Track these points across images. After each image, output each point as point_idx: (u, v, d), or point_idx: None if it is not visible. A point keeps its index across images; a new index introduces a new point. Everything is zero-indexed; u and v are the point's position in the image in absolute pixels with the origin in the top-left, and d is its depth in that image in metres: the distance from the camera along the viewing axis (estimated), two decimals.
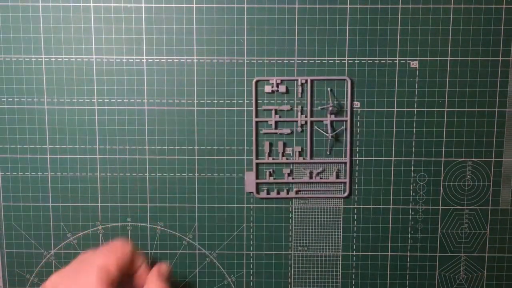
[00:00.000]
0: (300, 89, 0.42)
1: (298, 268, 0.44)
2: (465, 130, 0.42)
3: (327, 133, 0.42)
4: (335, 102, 0.41)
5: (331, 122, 0.42)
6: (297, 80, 0.41)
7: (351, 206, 0.43)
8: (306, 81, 0.41)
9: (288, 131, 0.42)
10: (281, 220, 0.44)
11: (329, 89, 0.41)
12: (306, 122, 0.42)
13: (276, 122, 0.42)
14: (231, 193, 0.43)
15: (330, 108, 0.41)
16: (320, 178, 0.43)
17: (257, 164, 0.43)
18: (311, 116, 0.42)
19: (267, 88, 0.42)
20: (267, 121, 0.42)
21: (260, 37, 0.41)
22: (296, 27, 0.41)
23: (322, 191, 0.43)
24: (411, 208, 0.43)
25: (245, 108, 0.42)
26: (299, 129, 0.42)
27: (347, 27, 0.41)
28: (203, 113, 0.42)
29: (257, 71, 0.42)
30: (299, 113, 0.42)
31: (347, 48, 0.41)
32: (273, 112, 0.42)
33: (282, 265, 0.44)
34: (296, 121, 0.42)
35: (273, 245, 0.44)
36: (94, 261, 0.35)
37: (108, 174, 0.43)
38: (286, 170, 0.43)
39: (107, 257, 0.35)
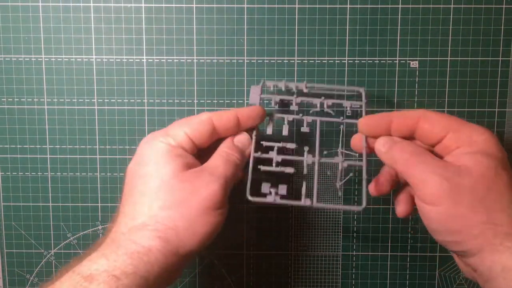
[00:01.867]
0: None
1: (298, 268, 0.44)
2: None
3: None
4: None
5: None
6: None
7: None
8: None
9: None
10: (281, 220, 0.44)
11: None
12: (313, 162, 0.36)
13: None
14: (231, 192, 0.43)
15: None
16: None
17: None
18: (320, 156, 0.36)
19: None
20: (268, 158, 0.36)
21: (260, 37, 0.41)
22: (296, 27, 0.41)
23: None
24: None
25: None
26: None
27: (347, 27, 0.41)
28: None
29: (257, 71, 0.42)
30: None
31: (347, 48, 0.41)
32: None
33: (282, 265, 0.44)
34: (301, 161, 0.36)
35: (273, 245, 0.44)
36: (164, 129, 0.34)
37: (108, 174, 0.43)
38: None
39: (179, 126, 0.34)
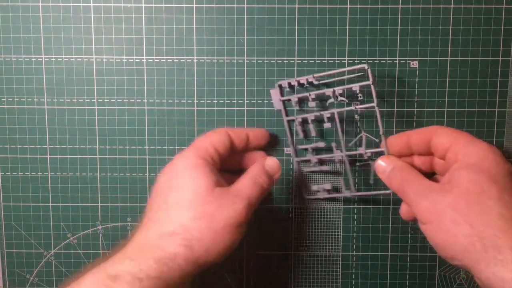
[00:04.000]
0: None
1: (298, 268, 0.44)
2: (465, 130, 0.42)
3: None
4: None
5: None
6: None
7: (351, 206, 0.43)
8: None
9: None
10: (281, 220, 0.44)
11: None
12: (342, 158, 0.41)
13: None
14: None
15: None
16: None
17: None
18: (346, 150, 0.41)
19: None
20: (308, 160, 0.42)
21: (260, 37, 0.41)
22: (296, 27, 0.41)
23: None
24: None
25: (245, 108, 0.42)
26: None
27: (347, 27, 0.41)
28: (203, 113, 0.42)
29: (257, 71, 0.42)
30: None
31: (347, 48, 0.41)
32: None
33: (282, 265, 0.44)
34: (333, 159, 0.42)
35: (273, 245, 0.44)
36: (191, 144, 0.37)
37: (108, 174, 0.43)
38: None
39: (203, 139, 0.37)
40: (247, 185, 0.36)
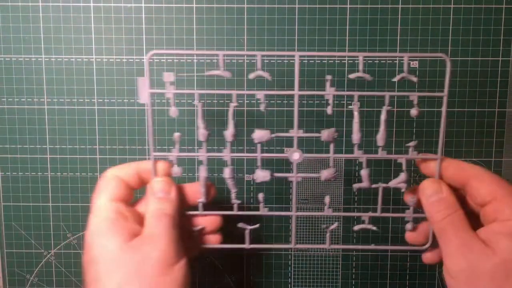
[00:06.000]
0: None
1: (298, 268, 0.44)
2: (465, 130, 0.42)
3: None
4: None
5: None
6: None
7: (351, 206, 0.43)
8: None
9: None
10: (281, 220, 0.44)
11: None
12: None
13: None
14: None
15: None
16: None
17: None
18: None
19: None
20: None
21: (260, 37, 0.41)
22: (296, 27, 0.41)
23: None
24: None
25: (245, 108, 0.42)
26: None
27: (347, 27, 0.41)
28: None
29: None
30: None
31: (347, 48, 0.41)
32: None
33: (282, 265, 0.44)
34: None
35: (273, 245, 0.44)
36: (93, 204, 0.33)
37: None
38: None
39: (97, 197, 0.33)
40: (153, 221, 0.32)
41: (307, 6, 0.41)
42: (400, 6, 0.41)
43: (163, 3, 0.41)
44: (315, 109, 0.42)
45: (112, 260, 0.30)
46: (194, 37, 0.41)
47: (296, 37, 0.41)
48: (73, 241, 0.44)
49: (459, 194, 0.33)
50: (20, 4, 0.41)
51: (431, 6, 0.41)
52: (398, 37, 0.41)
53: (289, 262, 0.44)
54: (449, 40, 0.41)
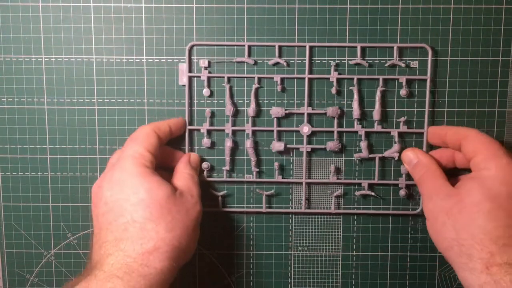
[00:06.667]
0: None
1: (298, 268, 0.44)
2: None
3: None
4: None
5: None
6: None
7: (351, 206, 0.43)
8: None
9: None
10: (281, 220, 0.44)
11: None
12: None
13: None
14: (231, 192, 0.43)
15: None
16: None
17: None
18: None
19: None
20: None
21: (260, 37, 0.41)
22: (296, 27, 0.41)
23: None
24: (411, 207, 0.43)
25: (245, 108, 0.42)
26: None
27: (347, 27, 0.41)
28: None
29: (257, 71, 0.42)
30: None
31: (347, 48, 0.41)
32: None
33: (282, 265, 0.44)
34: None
35: (273, 245, 0.44)
36: (124, 153, 0.37)
37: None
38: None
39: (134, 145, 0.37)
40: (192, 185, 0.39)
41: (307, 6, 0.41)
42: (400, 6, 0.41)
43: (163, 3, 0.41)
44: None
45: (162, 206, 0.35)
46: (194, 37, 0.41)
47: (296, 37, 0.41)
48: (73, 241, 0.44)
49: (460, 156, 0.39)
50: (20, 4, 0.41)
51: (431, 6, 0.41)
52: (398, 37, 0.41)
53: (289, 262, 0.44)
54: (449, 40, 0.41)
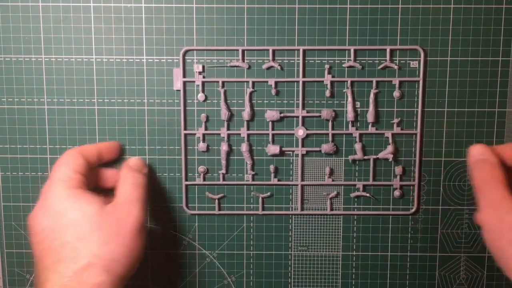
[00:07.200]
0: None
1: (298, 268, 0.44)
2: (465, 130, 0.42)
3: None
4: None
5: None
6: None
7: (351, 206, 0.43)
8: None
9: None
10: (281, 220, 0.44)
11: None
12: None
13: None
14: (231, 192, 0.43)
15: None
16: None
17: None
18: None
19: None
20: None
21: (260, 37, 0.41)
22: (296, 27, 0.41)
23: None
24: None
25: (245, 108, 0.42)
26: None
27: (347, 27, 0.41)
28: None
29: (257, 71, 0.42)
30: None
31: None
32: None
33: (282, 265, 0.44)
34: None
35: (273, 245, 0.44)
36: (53, 178, 0.37)
37: None
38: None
39: (62, 168, 0.37)
40: (129, 190, 0.38)
41: (307, 6, 0.41)
42: (400, 6, 0.41)
43: (163, 3, 0.41)
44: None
45: (92, 222, 0.35)
46: (194, 37, 0.41)
47: (296, 37, 0.41)
48: None
49: None
50: (20, 4, 0.41)
51: (431, 6, 0.41)
52: (398, 37, 0.41)
53: (289, 262, 0.44)
54: (449, 40, 0.41)
